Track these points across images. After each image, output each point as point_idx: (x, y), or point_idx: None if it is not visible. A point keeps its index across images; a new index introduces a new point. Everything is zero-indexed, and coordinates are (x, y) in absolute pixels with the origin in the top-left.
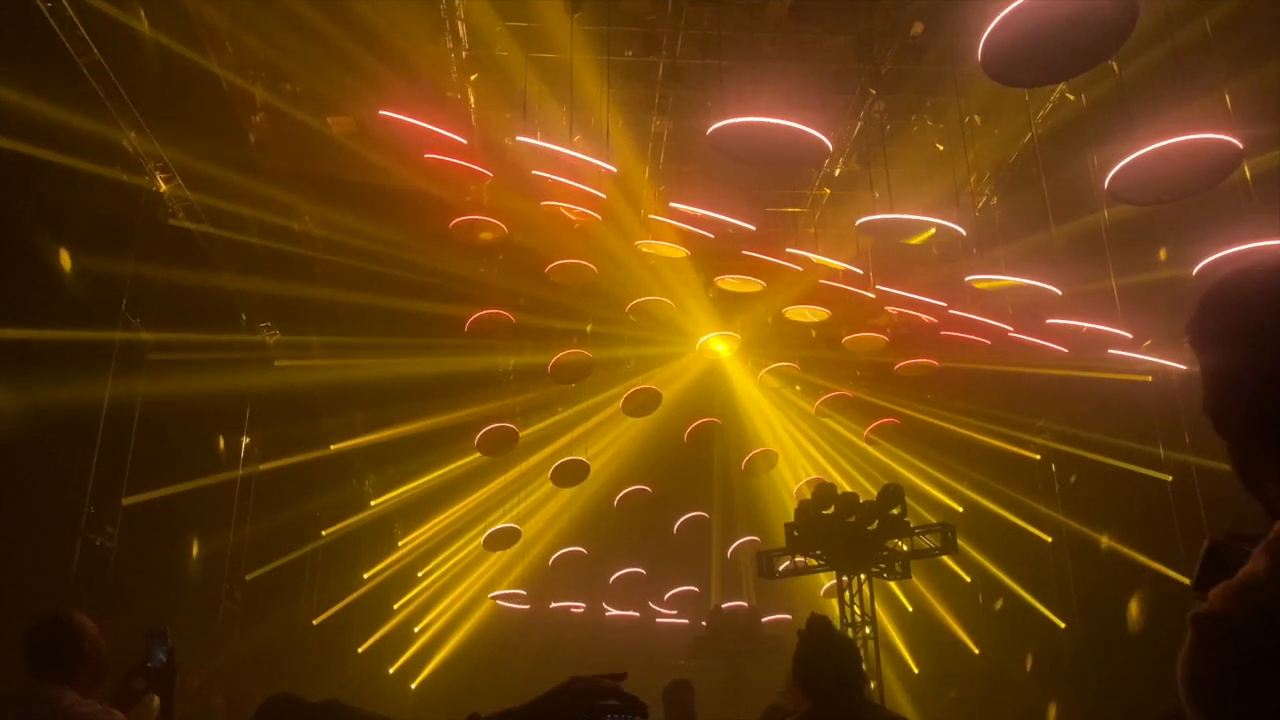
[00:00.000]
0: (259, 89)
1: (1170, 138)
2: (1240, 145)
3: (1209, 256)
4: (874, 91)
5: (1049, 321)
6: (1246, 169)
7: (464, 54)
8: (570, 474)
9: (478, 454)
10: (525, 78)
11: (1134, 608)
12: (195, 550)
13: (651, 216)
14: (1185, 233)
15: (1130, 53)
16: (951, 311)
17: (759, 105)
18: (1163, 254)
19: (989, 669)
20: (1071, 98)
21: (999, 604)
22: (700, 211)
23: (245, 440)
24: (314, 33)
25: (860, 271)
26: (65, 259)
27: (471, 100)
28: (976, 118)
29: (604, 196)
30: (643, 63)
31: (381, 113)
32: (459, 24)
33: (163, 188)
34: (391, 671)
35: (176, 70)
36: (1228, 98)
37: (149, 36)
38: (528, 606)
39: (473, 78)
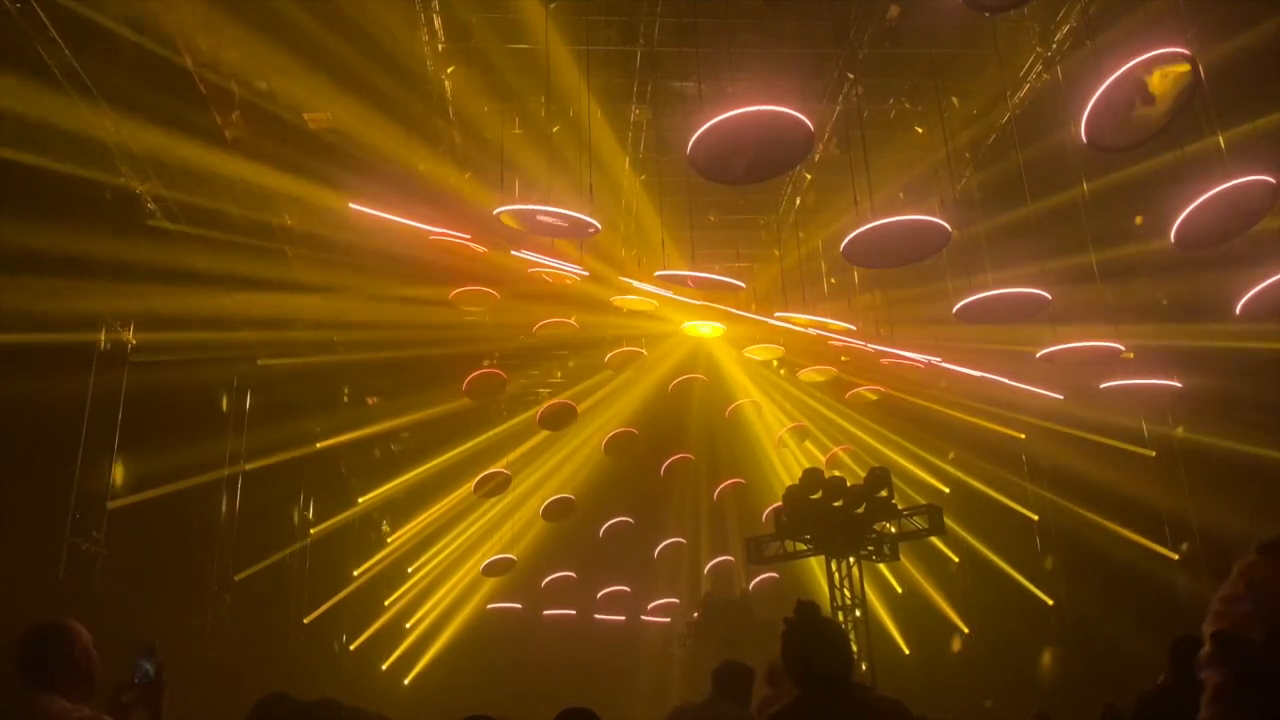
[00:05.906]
0: (234, 86)
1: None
2: (1188, 52)
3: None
4: (852, 76)
5: (1041, 354)
6: (1221, 139)
7: (440, 47)
8: (557, 417)
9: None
10: (503, 69)
11: None
12: (183, 552)
13: (633, 283)
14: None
15: (1103, 24)
16: (943, 365)
17: (736, 94)
18: (1139, 220)
19: (979, 645)
20: (1047, 76)
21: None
22: (686, 274)
23: (229, 439)
24: (289, 29)
25: (854, 327)
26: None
27: (449, 93)
28: (954, 99)
29: (586, 273)
30: (620, 52)
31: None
32: (434, 16)
33: (140, 188)
34: (384, 668)
35: (151, 70)
36: (1200, 68)
37: (122, 36)
38: (520, 606)
39: (449, 70)
